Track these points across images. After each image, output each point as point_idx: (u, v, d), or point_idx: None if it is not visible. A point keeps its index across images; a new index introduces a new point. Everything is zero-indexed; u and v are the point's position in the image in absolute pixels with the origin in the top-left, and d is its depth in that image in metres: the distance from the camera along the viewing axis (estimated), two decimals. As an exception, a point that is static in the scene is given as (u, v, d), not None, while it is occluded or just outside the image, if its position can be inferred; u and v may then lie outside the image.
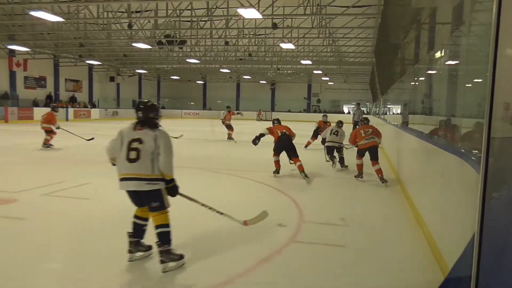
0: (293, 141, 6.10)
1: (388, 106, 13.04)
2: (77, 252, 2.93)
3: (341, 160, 7.01)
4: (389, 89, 10.60)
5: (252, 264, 2.74)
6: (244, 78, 32.12)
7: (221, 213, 2.98)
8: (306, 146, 9.76)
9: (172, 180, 2.56)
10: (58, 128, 9.17)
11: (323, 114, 9.82)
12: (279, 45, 17.73)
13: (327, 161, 7.36)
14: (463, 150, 2.51)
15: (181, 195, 2.69)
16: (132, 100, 32.32)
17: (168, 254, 2.53)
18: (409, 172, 4.91)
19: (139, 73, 31.32)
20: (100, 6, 13.49)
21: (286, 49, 19.10)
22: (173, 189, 2.59)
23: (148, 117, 2.58)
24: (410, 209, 4.21)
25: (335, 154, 7.11)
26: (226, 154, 9.24)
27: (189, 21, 15.46)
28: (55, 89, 24.48)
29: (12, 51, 20.13)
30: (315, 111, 31.79)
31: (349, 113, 31.54)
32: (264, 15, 12.11)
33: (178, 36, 17.95)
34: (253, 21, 14.94)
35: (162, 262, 2.53)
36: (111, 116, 26.63)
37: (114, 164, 2.67)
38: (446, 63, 3.89)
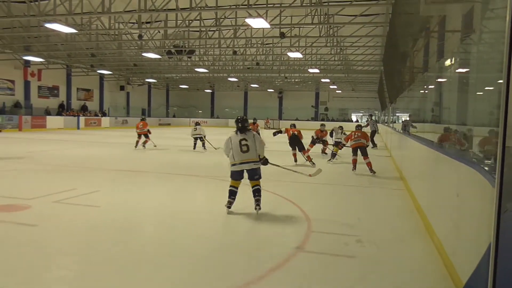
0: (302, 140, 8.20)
1: (397, 114, 12.92)
2: (87, 259, 2.95)
3: (333, 155, 9.22)
4: (398, 98, 10.51)
5: (260, 274, 2.71)
6: (251, 86, 32.29)
7: (295, 171, 5.12)
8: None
9: (265, 157, 4.38)
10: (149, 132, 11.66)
11: (321, 123, 10.43)
12: (286, 54, 17.82)
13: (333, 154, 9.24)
14: (475, 160, 2.46)
15: (270, 163, 4.45)
16: (141, 109, 32.78)
17: (259, 202, 4.26)
18: (420, 182, 4.83)
19: (149, 82, 31.80)
20: (111, 18, 13.82)
21: (294, 58, 19.19)
22: (266, 161, 4.40)
23: (244, 126, 4.37)
24: (421, 220, 4.13)
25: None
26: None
27: (198, 31, 15.70)
28: (67, 98, 25.05)
29: (27, 61, 20.74)
30: (322, 119, 31.66)
31: (357, 121, 31.61)
32: (272, 25, 12.21)
33: (187, 46, 18.23)
34: (261, 31, 15.10)
35: (257, 206, 4.24)
36: (121, 124, 27.03)
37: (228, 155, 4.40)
38: (457, 71, 3.85)
